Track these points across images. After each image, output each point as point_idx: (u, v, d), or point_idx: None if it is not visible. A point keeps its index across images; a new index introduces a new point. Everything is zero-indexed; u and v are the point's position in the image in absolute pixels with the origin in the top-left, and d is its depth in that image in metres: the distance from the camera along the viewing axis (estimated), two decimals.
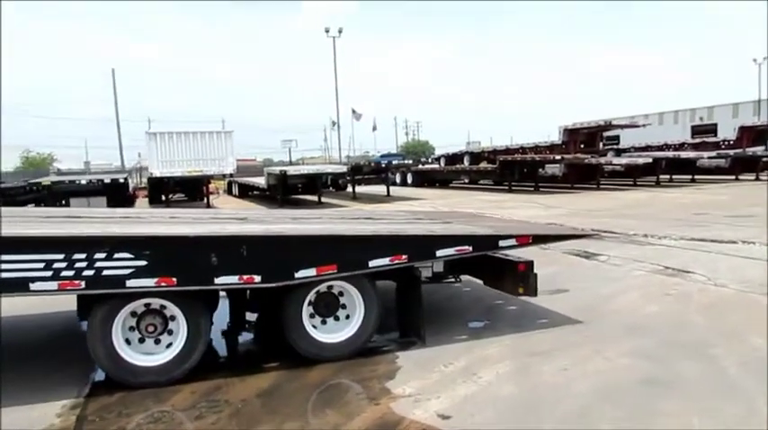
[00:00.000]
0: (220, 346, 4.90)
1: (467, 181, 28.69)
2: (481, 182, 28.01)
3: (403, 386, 3.92)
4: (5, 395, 3.84)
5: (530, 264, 4.90)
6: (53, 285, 3.66)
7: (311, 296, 4.31)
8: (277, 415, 3.54)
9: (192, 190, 20.99)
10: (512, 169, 22.58)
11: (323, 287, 4.34)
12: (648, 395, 3.67)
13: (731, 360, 4.19)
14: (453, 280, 5.30)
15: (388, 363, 4.38)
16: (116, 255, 3.77)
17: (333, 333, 4.38)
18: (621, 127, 25.88)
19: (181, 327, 3.97)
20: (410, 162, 30.08)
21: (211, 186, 28.62)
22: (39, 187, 17.00)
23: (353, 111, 65.44)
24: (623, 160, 23.14)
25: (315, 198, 21.36)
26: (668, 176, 24.62)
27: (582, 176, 22.66)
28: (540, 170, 23.05)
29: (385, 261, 4.37)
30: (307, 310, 4.31)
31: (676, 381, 3.87)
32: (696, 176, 24.45)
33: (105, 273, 3.74)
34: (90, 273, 3.72)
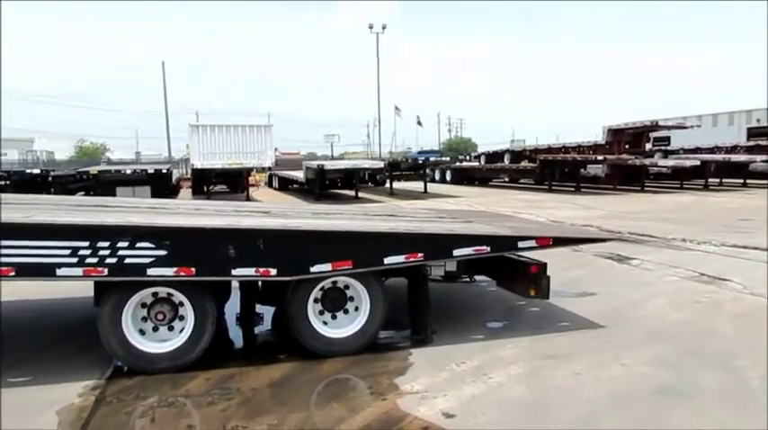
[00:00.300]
0: (237, 337, 5.03)
1: (507, 180, 28.33)
2: (522, 181, 27.62)
3: (411, 383, 3.93)
4: (34, 374, 4.04)
5: (542, 266, 4.82)
6: (78, 271, 3.82)
7: (316, 293, 4.36)
8: (285, 405, 3.61)
9: (234, 182, 21.40)
10: (552, 169, 22.17)
11: (327, 283, 4.38)
12: (662, 404, 3.57)
13: (756, 372, 4.02)
14: (468, 279, 5.26)
15: (400, 360, 4.40)
16: (138, 245, 3.90)
17: (339, 328, 4.42)
18: (669, 128, 24.98)
19: (188, 313, 4.09)
20: (447, 159, 29.89)
21: (252, 179, 29.30)
22: (87, 176, 17.74)
23: (396, 108, 65.51)
24: (669, 162, 22.36)
25: (352, 193, 21.52)
26: (718, 180, 23.66)
27: (625, 178, 22.04)
28: (582, 170, 22.53)
29: (400, 258, 4.38)
30: (313, 306, 4.36)
31: (694, 392, 3.75)
32: (748, 181, 23.40)
33: (127, 261, 3.89)
34: (113, 260, 3.87)
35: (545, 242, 4.81)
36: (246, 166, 18.95)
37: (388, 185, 22.22)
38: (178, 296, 4.15)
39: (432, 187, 24.88)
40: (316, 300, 4.40)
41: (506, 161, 28.25)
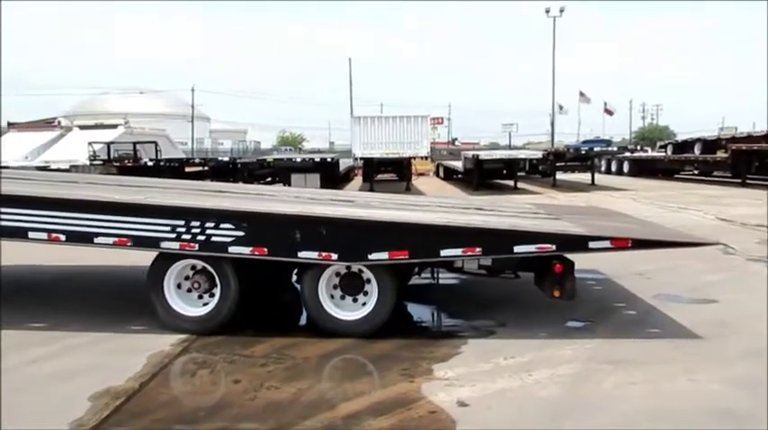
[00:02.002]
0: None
1: (696, 172, 25.19)
2: (715, 174, 24.32)
3: (447, 370, 4.00)
4: (149, 325, 4.93)
5: (568, 265, 4.49)
6: (176, 245, 4.57)
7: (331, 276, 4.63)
8: (320, 374, 3.98)
9: (399, 170, 22.25)
10: (747, 159, 19.18)
11: (343, 269, 4.59)
12: (708, 426, 3.18)
13: None
14: (512, 275, 5.07)
15: (451, 347, 4.46)
16: (221, 225, 4.54)
17: (350, 311, 4.64)
18: None
19: (218, 284, 4.63)
20: (614, 149, 27.43)
21: (419, 168, 30.17)
22: (266, 163, 20.05)
23: (581, 95, 61.62)
24: None
25: (512, 183, 21.07)
26: None
27: None
28: None
29: (457, 251, 4.41)
30: (326, 289, 4.64)
31: (756, 418, 3.25)
32: None
33: (213, 239, 4.53)
34: (202, 238, 4.54)
35: (622, 244, 4.44)
36: (403, 156, 19.68)
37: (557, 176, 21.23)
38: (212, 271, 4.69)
39: (603, 179, 23.24)
40: (334, 286, 4.68)
41: (696, 151, 25.07)
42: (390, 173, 23.56)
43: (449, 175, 27.11)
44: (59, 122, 22.39)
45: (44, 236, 4.67)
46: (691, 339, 4.60)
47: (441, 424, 3.27)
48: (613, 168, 27.59)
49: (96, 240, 4.64)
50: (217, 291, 4.68)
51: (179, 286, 4.80)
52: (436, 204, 5.99)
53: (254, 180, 23.41)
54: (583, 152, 20.43)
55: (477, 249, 4.40)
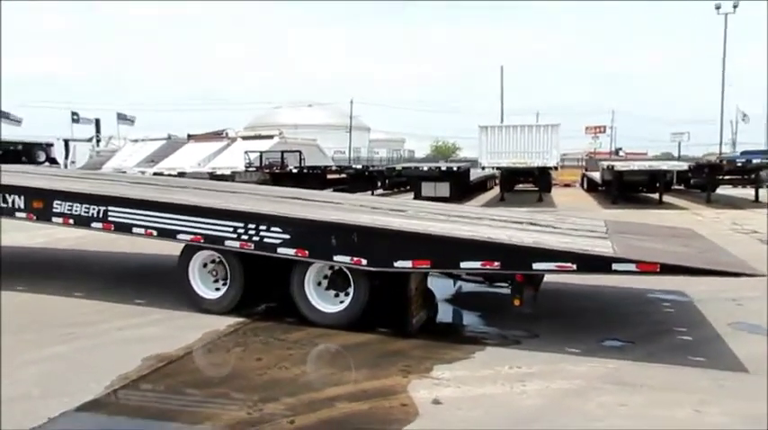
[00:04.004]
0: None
1: None
2: None
3: (446, 371, 4.17)
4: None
5: (528, 277, 4.53)
6: (236, 244, 5.30)
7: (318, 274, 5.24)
8: (329, 360, 4.43)
9: (537, 180, 21.59)
10: None
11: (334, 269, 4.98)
12: None
13: None
14: (507, 283, 4.99)
15: (466, 352, 4.59)
16: (272, 229, 5.18)
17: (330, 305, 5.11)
18: None
19: (228, 275, 5.25)
20: None
21: (562, 179, 28.99)
22: (394, 172, 20.89)
23: None
24: None
25: (657, 196, 19.40)
26: None
27: None
28: None
29: (476, 264, 4.53)
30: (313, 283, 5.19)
31: None
32: None
33: (265, 240, 5.19)
34: (257, 239, 5.22)
35: (649, 268, 4.23)
36: (531, 166, 19.20)
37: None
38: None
39: None
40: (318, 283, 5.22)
41: None
42: (529, 182, 23.09)
43: (593, 187, 25.70)
44: (227, 134, 25.62)
45: (142, 231, 5.73)
46: (734, 372, 4.20)
47: (403, 415, 3.51)
48: None
49: (178, 236, 5.57)
50: (228, 281, 5.53)
51: (203, 267, 5.75)
52: (490, 217, 6.06)
53: (392, 187, 24.53)
54: (738, 164, 18.06)
55: (496, 263, 4.50)
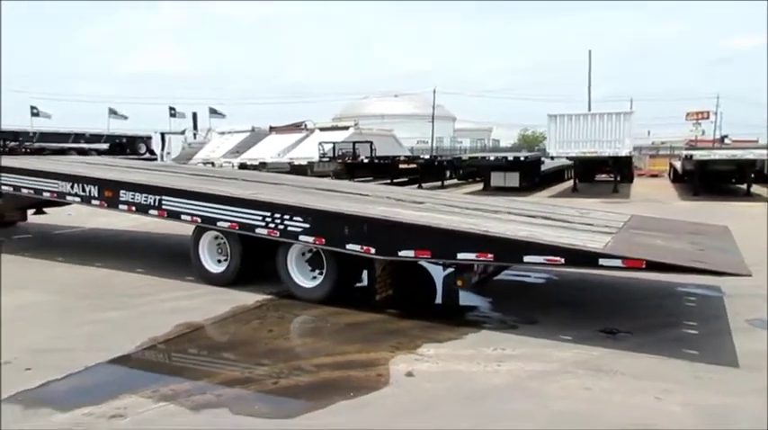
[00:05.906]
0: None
1: None
2: None
3: (432, 349, 4.49)
4: (251, 286, 6.39)
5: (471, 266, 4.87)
6: (264, 231, 5.84)
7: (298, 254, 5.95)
8: (329, 335, 4.87)
9: (617, 170, 20.81)
10: None
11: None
12: None
13: None
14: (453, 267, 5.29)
15: (459, 334, 4.87)
16: (294, 218, 5.69)
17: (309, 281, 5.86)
18: None
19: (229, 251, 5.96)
20: None
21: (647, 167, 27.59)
22: (462, 162, 20.91)
23: None
24: None
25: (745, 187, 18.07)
26: None
27: None
28: None
29: (471, 256, 4.79)
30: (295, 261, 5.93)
31: None
32: None
33: (289, 228, 5.71)
34: (282, 227, 5.75)
35: (635, 264, 4.33)
36: (602, 155, 18.53)
37: None
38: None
39: None
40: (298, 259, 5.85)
41: None
42: (608, 172, 22.30)
43: (678, 178, 24.28)
44: (305, 125, 26.79)
45: (189, 218, 6.46)
46: (720, 366, 4.19)
47: (374, 384, 3.89)
48: None
49: (218, 224, 6.24)
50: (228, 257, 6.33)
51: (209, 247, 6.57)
52: (507, 210, 6.24)
53: (465, 178, 24.56)
54: None
55: (490, 255, 4.75)
